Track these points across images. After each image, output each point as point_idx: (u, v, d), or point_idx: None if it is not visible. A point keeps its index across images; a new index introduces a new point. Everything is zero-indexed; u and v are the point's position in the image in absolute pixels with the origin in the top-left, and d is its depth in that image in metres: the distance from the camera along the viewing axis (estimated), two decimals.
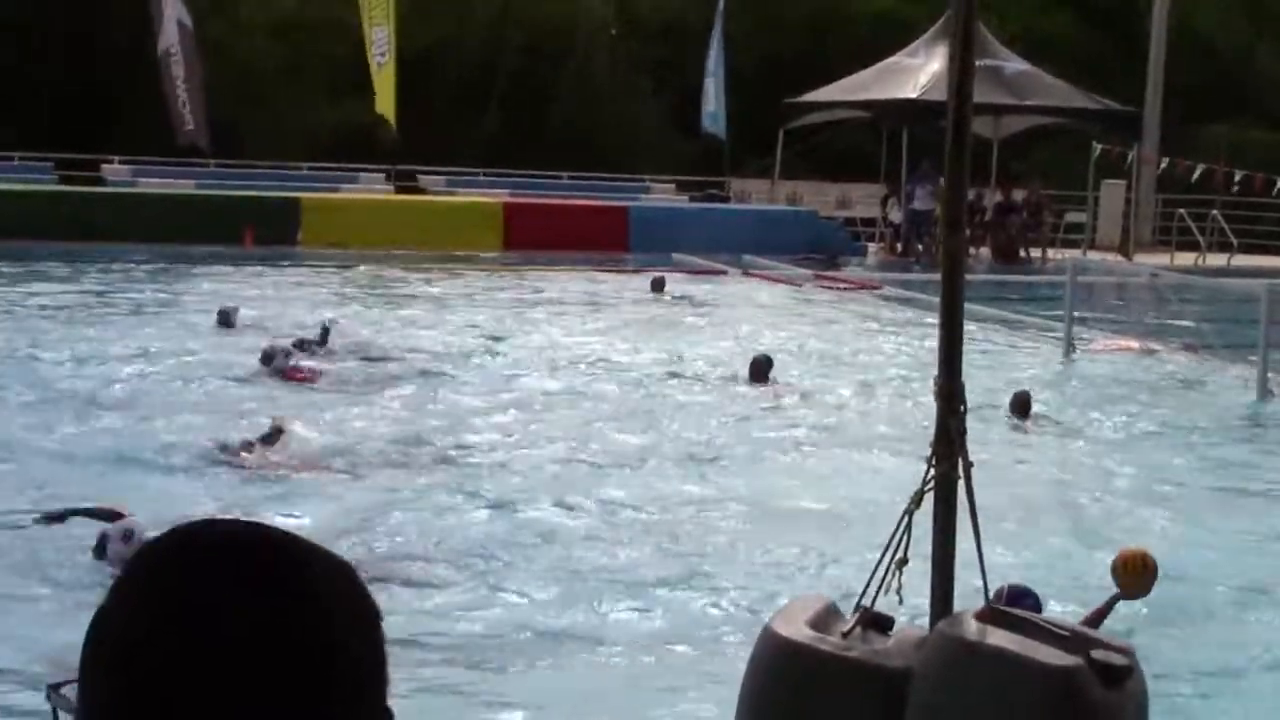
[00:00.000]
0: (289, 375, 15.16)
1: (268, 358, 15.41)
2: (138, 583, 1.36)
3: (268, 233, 29.70)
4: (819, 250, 32.29)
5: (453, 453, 12.59)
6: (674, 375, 16.80)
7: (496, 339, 19.22)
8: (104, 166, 35.70)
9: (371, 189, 35.97)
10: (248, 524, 1.42)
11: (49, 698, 1.41)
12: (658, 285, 24.83)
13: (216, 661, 1.30)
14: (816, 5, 44.67)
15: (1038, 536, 10.46)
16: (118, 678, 1.32)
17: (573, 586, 9.06)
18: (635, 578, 9.29)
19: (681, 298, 24.27)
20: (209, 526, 1.41)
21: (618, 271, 27.78)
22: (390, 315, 21.28)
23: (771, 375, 16.26)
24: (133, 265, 25.71)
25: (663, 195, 38.95)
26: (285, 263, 27.34)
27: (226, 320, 18.71)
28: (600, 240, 31.56)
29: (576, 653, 8.06)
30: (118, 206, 30.59)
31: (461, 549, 9.79)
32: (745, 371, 16.45)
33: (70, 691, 1.38)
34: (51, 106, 37.85)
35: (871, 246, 36.30)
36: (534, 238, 31.11)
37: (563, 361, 17.43)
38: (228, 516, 1.45)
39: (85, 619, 1.33)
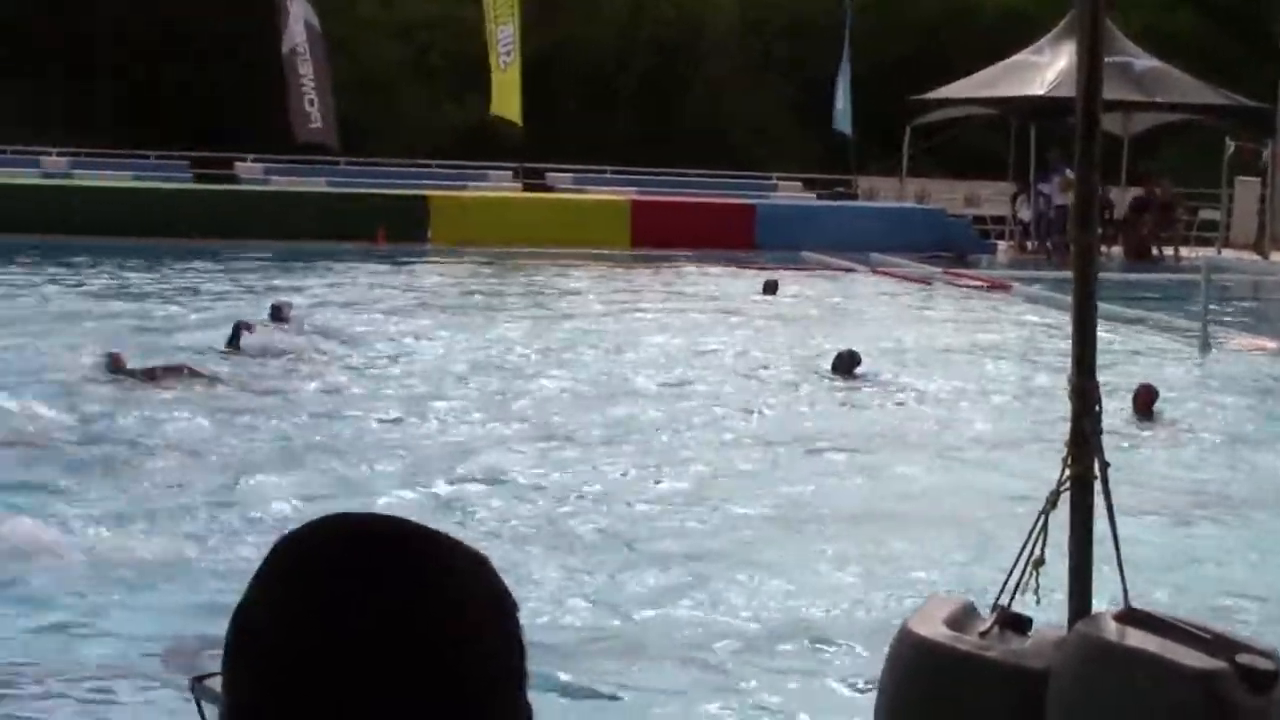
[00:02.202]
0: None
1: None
2: (278, 575, 1.37)
3: (398, 230, 29.95)
4: (947, 248, 32.08)
5: (545, 446, 12.57)
6: (781, 372, 16.67)
7: (603, 334, 19.19)
8: (237, 165, 36.19)
9: (499, 187, 36.16)
10: (385, 517, 1.43)
11: (192, 689, 1.43)
12: (770, 288, 24.27)
13: (353, 653, 1.31)
14: (942, 2, 44.41)
15: (1175, 538, 10.31)
16: (259, 669, 1.33)
17: (683, 578, 9.02)
18: (751, 573, 9.22)
19: (796, 297, 24.03)
20: (346, 520, 1.42)
21: (742, 268, 27.69)
22: (502, 312, 21.38)
23: (866, 371, 16.12)
24: (248, 261, 25.99)
25: (790, 193, 38.87)
26: (411, 259, 27.57)
27: (279, 314, 18.51)
28: (727, 238, 31.52)
29: (697, 647, 8.01)
30: (251, 204, 31.03)
31: (575, 534, 9.81)
32: (862, 368, 16.26)
33: (213, 684, 1.39)
34: (186, 106, 38.41)
35: (1001, 244, 36.01)
36: (661, 235, 31.13)
37: (666, 359, 17.34)
38: (363, 511, 1.46)
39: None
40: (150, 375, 14.21)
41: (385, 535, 1.39)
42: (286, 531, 1.41)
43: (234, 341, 16.68)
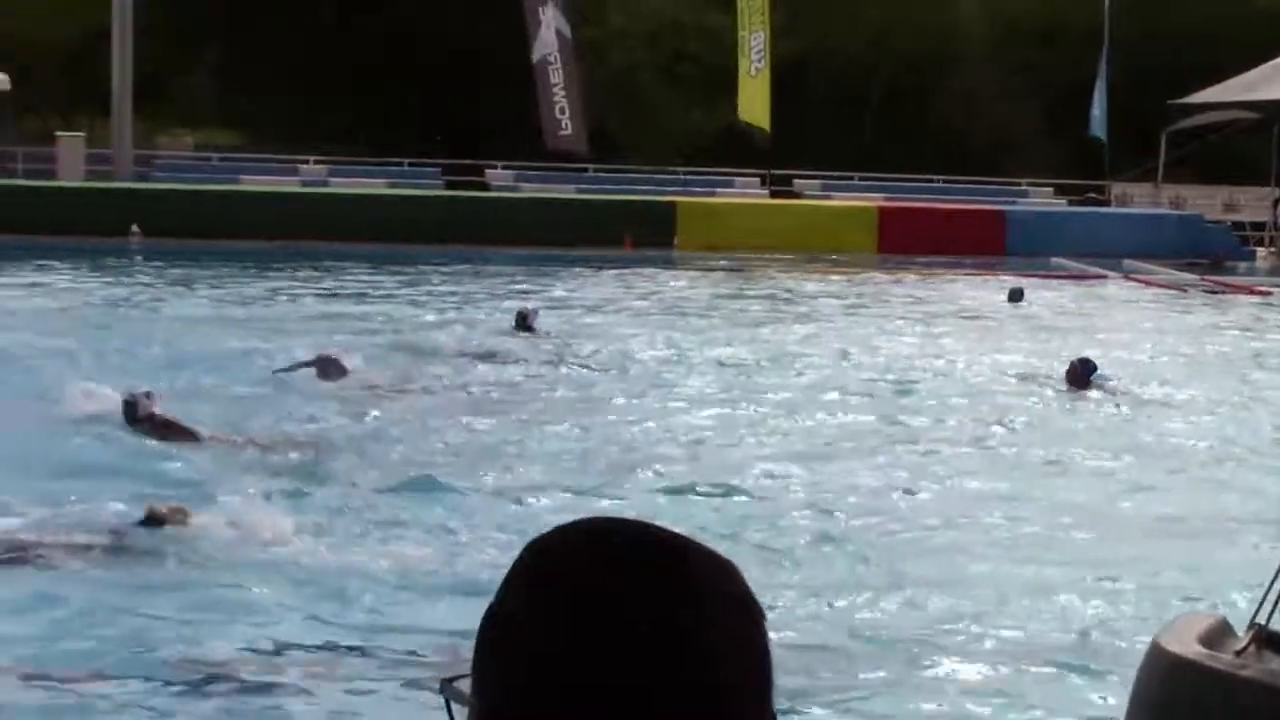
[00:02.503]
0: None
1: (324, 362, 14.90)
2: (528, 579, 1.38)
3: (645, 236, 30.15)
4: (1204, 254, 31.33)
5: (788, 454, 12.51)
6: (1019, 383, 16.35)
7: (845, 341, 19.05)
8: (488, 172, 36.73)
9: (746, 193, 36.18)
10: (633, 522, 1.43)
11: (442, 690, 1.44)
12: (1015, 296, 23.77)
13: (602, 658, 1.31)
14: (1207, 7, 43.35)
15: None
16: (509, 672, 1.34)
17: (919, 596, 8.90)
18: (991, 591, 9.07)
19: (1043, 305, 23.60)
20: (595, 525, 1.42)
21: (988, 275, 27.32)
22: (747, 317, 21.39)
23: (1105, 382, 15.73)
24: (498, 266, 26.35)
25: (1040, 199, 38.30)
26: (659, 266, 27.71)
27: (524, 322, 18.67)
28: (976, 244, 31.18)
29: (928, 663, 7.91)
30: (500, 211, 31.51)
31: (818, 542, 9.74)
32: (1105, 377, 15.88)
33: (463, 685, 1.40)
34: (439, 114, 39.09)
35: (1261, 251, 35.06)
36: (908, 241, 30.90)
37: (908, 367, 17.15)
38: (611, 516, 1.46)
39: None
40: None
41: (635, 540, 1.39)
42: (536, 536, 1.42)
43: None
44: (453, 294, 23.20)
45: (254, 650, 7.66)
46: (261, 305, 21.37)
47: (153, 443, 11.81)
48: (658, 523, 1.44)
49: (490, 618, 1.37)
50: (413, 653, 7.65)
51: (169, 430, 11.92)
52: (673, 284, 25.90)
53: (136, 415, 11.97)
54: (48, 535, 9.12)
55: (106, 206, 29.41)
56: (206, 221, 28.47)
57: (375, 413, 13.62)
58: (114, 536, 9.13)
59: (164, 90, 39.18)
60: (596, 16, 41.38)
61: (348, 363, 14.82)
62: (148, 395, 12.14)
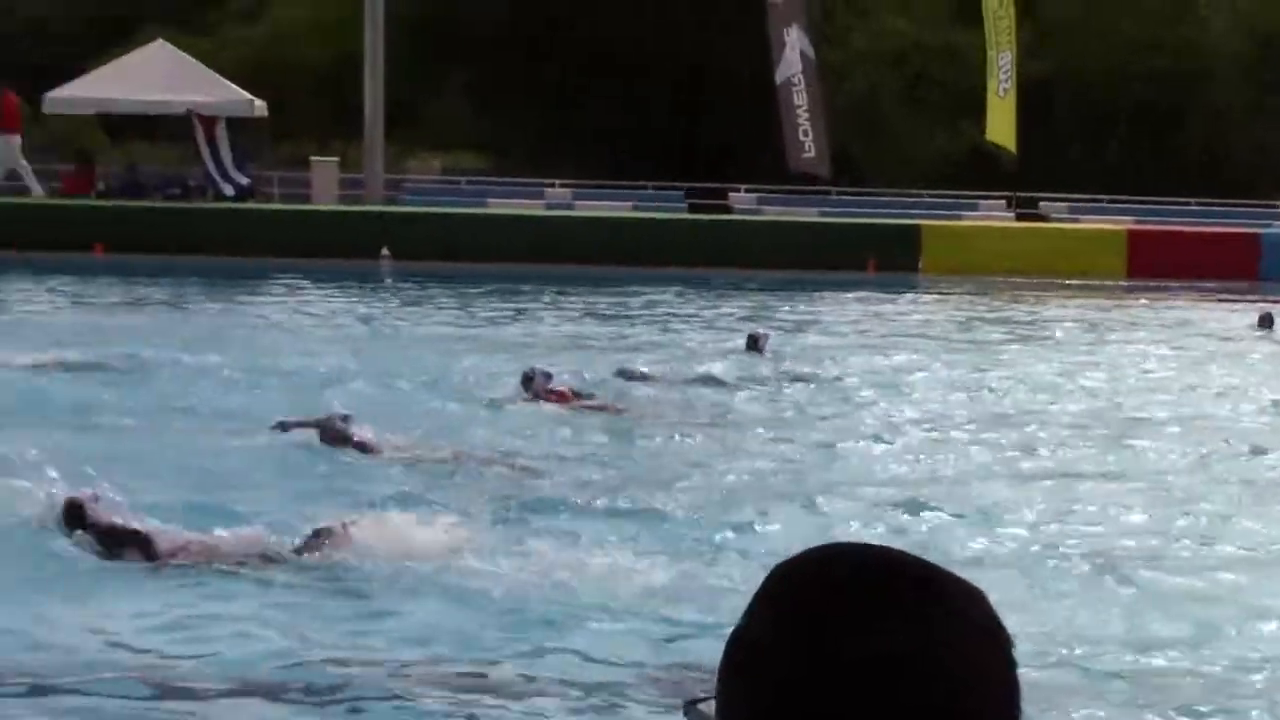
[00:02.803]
0: (546, 397, 14.75)
1: (527, 380, 14.93)
2: (773, 602, 1.39)
3: (890, 260, 29.97)
4: None
5: (1036, 481, 12.27)
6: (1271, 412, 15.79)
7: (1094, 368, 18.66)
8: (730, 195, 36.80)
9: (990, 216, 35.76)
10: (880, 548, 1.42)
11: (686, 713, 1.45)
12: (1266, 322, 22.69)
13: (848, 684, 1.31)
14: None
15: None
16: (754, 695, 1.34)
17: (1192, 635, 8.64)
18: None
19: None
20: (842, 549, 1.42)
21: (1242, 300, 26.57)
22: (992, 342, 21.11)
23: None
24: (740, 290, 26.37)
25: None
26: (903, 291, 27.52)
27: (755, 344, 18.71)
28: (1229, 268, 30.41)
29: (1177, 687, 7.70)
30: (742, 234, 31.58)
31: (1078, 574, 9.54)
32: None
33: (707, 708, 1.40)
34: (680, 137, 39.30)
35: None
36: (1159, 266, 30.25)
37: (1156, 395, 16.67)
38: (858, 541, 1.46)
39: None
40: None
41: (882, 565, 1.39)
42: (781, 560, 1.42)
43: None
44: (692, 316, 23.29)
45: (404, 665, 7.68)
46: (505, 326, 21.68)
47: (347, 459, 12.02)
48: (896, 547, 1.43)
49: (736, 640, 1.38)
50: (650, 679, 7.63)
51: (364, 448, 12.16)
52: (915, 307, 25.71)
53: (334, 436, 12.16)
54: (224, 544, 9.23)
55: (358, 229, 30.08)
56: (454, 244, 28.97)
57: (600, 435, 13.70)
58: (293, 550, 9.24)
59: (414, 115, 39.96)
60: (839, 38, 41.27)
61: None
62: (344, 419, 12.24)
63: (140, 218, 30.19)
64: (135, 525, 9.29)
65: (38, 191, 31.91)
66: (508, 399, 14.89)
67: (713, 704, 1.39)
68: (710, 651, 1.39)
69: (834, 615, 1.34)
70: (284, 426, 12.56)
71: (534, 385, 14.72)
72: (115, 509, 9.36)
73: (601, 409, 14.73)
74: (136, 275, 26.02)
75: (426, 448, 12.30)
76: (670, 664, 7.70)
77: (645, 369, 16.74)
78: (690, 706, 1.43)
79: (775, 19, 34.97)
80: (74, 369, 15.95)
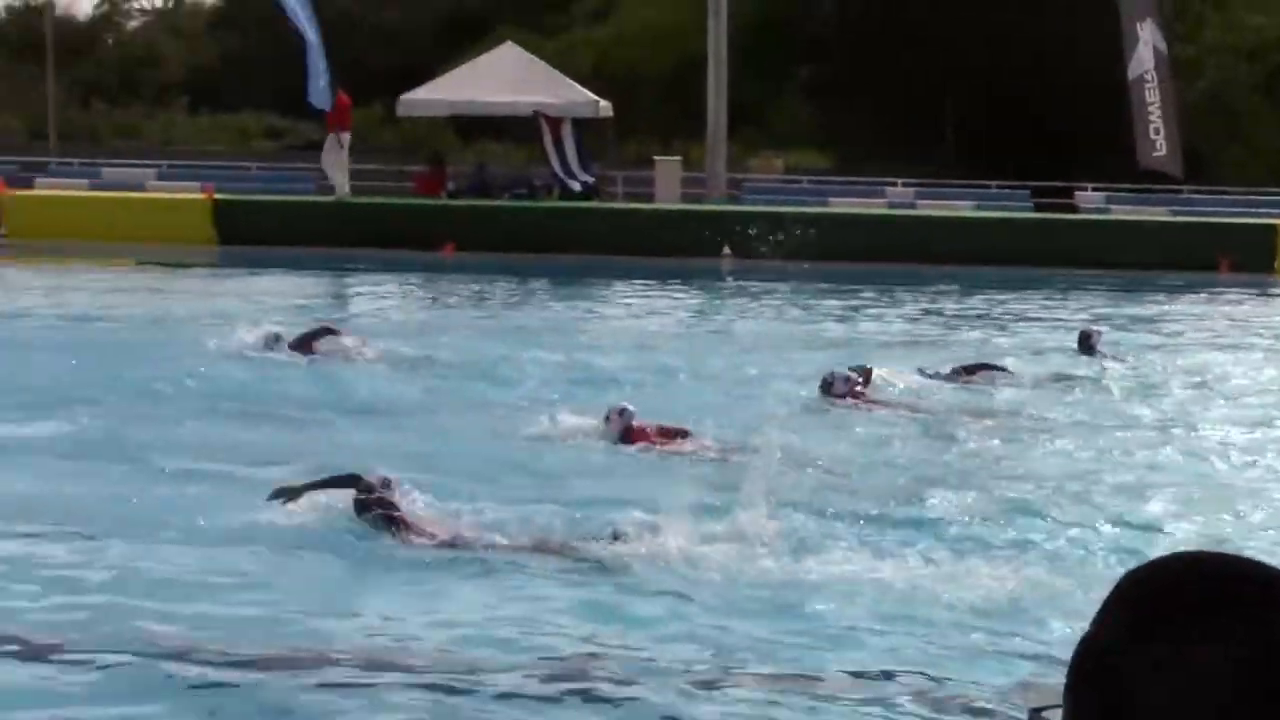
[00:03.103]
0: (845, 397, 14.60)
1: (826, 385, 14.80)
2: (1127, 608, 1.37)
3: (1243, 261, 29.07)
4: None
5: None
6: None
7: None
8: (1077, 194, 36.15)
9: None
10: (1241, 558, 1.40)
11: None
12: None
13: (1205, 693, 1.28)
14: None
15: None
16: (1107, 704, 1.32)
17: None
18: None
19: None
20: (1199, 558, 1.39)
21: None
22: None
23: None
24: (1085, 290, 25.86)
25: None
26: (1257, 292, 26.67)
27: (1086, 343, 18.47)
28: None
29: None
30: (1087, 233, 30.99)
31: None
32: None
33: (1052, 715, 1.38)
34: (1025, 135, 38.76)
35: None
36: None
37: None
38: (1216, 551, 1.41)
39: None
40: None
41: (1234, 574, 1.36)
42: (1133, 567, 1.39)
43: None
44: (1032, 317, 22.91)
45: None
46: (845, 325, 21.64)
47: (639, 457, 12.16)
48: (1246, 554, 1.39)
49: (1085, 646, 1.35)
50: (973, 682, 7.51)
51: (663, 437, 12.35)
52: (1264, 310, 24.80)
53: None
54: (503, 538, 9.43)
55: (699, 228, 30.28)
56: (793, 243, 29.01)
57: (897, 431, 13.56)
58: (579, 547, 9.38)
59: (757, 115, 40.18)
60: (1194, 32, 40.20)
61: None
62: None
63: (488, 217, 30.95)
64: (429, 514, 9.59)
65: (344, 192, 32.05)
66: (808, 401, 14.83)
67: (1058, 713, 1.36)
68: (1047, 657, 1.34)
69: (1188, 623, 1.31)
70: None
71: (833, 389, 14.75)
72: (406, 496, 9.65)
73: (907, 409, 14.65)
74: (483, 273, 26.68)
75: (734, 450, 12.25)
76: (1014, 672, 7.56)
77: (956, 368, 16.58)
78: (1036, 715, 1.41)
79: (1127, 14, 34.18)
80: (411, 364, 16.46)
